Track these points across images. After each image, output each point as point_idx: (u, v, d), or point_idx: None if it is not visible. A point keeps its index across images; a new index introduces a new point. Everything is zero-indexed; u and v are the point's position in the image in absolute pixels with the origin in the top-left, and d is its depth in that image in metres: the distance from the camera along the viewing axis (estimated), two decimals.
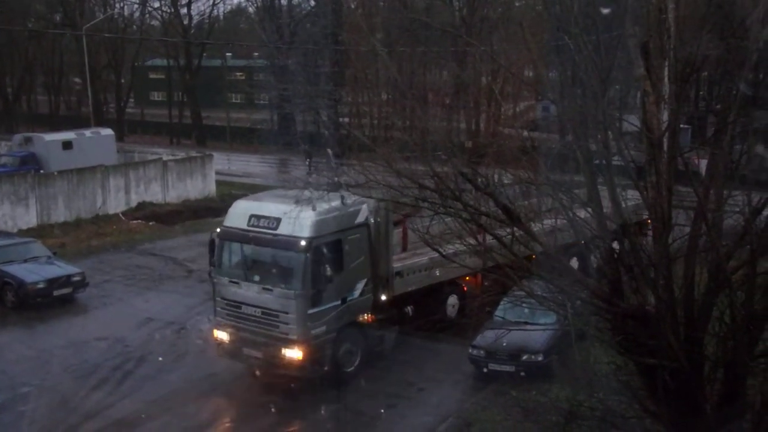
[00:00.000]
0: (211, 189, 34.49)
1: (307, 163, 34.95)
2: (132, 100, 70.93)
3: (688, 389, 8.31)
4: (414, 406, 14.17)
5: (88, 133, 36.75)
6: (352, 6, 47.45)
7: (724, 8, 8.65)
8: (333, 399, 14.44)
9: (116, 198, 30.86)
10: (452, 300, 17.04)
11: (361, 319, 15.17)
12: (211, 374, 15.59)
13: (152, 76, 76.78)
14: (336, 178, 12.52)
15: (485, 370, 14.77)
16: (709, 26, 8.42)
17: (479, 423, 13.22)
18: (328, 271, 14.12)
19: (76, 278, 20.37)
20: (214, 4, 63.55)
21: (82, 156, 32.46)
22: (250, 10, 64.13)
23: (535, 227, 9.04)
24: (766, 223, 8.12)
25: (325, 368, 14.35)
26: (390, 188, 9.92)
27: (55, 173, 29.86)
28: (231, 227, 14.93)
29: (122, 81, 64.78)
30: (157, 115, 66.86)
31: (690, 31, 8.24)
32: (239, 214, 14.89)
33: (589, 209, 8.48)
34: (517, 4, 47.16)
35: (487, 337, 14.49)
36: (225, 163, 42.24)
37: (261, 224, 14.30)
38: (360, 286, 14.94)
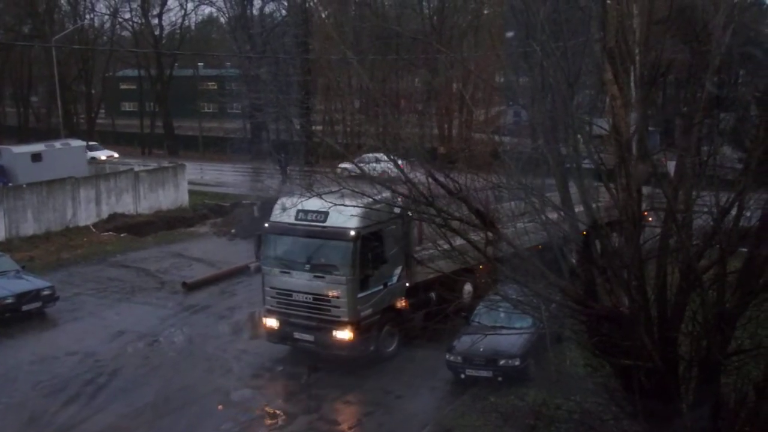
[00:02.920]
0: (184, 199, 34.16)
1: (279, 170, 34.93)
2: (103, 110, 70.06)
3: (663, 389, 8.39)
4: (391, 414, 14.10)
5: (57, 144, 36.20)
6: (323, 15, 47.48)
7: (687, 13, 8.81)
8: (309, 409, 14.33)
9: (87, 210, 30.40)
10: (468, 287, 17.69)
11: (397, 303, 16.24)
12: (185, 387, 15.38)
13: (123, 86, 75.91)
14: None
15: (463, 375, 14.76)
16: (673, 31, 8.56)
17: (458, 429, 13.19)
18: (373, 258, 15.35)
19: (46, 292, 19.99)
20: (185, 15, 63.29)
21: (52, 168, 31.93)
22: (222, 20, 63.81)
23: (510, 230, 9.08)
24: (734, 223, 8.24)
25: (371, 348, 15.52)
26: (363, 194, 9.92)
27: (24, 186, 29.33)
28: (279, 222, 15.93)
29: (93, 92, 63.94)
30: (128, 125, 66.09)
31: (655, 36, 8.37)
32: (285, 210, 15.85)
33: (561, 212, 8.54)
34: (485, 12, 47.51)
35: (463, 342, 14.50)
36: (197, 172, 41.83)
37: (309, 218, 15.42)
38: (397, 272, 16.11)
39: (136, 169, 34.12)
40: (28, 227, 28.38)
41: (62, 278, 22.62)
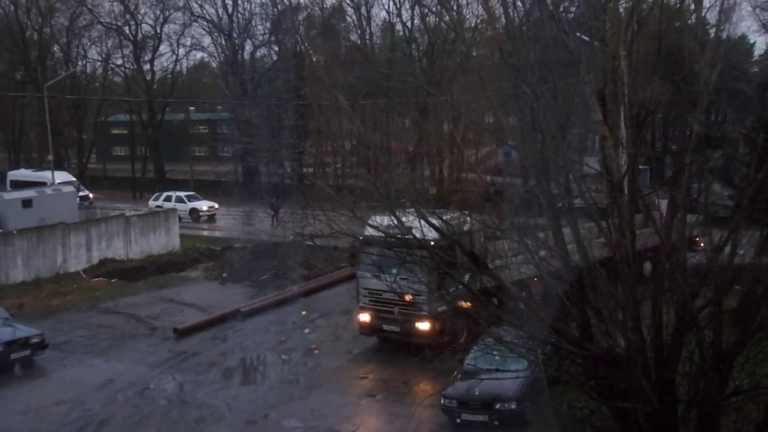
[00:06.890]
0: (175, 243, 33.93)
1: (271, 214, 34.90)
2: (94, 155, 70.16)
3: (662, 431, 8.25)
4: None
5: (48, 190, 36.15)
6: (315, 59, 48.06)
7: (674, 55, 8.93)
8: None
9: (77, 255, 30.15)
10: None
11: (465, 303, 17.61)
12: None
13: (115, 131, 76.20)
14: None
15: (458, 420, 14.52)
16: (661, 72, 8.66)
17: None
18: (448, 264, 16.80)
19: (35, 340, 19.65)
20: (176, 60, 63.85)
21: (42, 213, 31.81)
22: (213, 64, 64.54)
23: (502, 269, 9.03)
24: (728, 261, 8.21)
25: (446, 338, 17.12)
26: (354, 237, 9.87)
27: (14, 232, 29.15)
28: (371, 235, 18.04)
29: (84, 137, 64.10)
30: (119, 169, 66.07)
31: (643, 77, 8.46)
32: (376, 225, 17.39)
33: (554, 252, 8.50)
34: (474, 54, 48.21)
35: (458, 386, 14.29)
36: (189, 216, 41.70)
37: (396, 231, 17.08)
38: (466, 277, 17.66)
39: (127, 213, 33.98)
40: (18, 274, 28.09)
41: (52, 325, 22.29)
